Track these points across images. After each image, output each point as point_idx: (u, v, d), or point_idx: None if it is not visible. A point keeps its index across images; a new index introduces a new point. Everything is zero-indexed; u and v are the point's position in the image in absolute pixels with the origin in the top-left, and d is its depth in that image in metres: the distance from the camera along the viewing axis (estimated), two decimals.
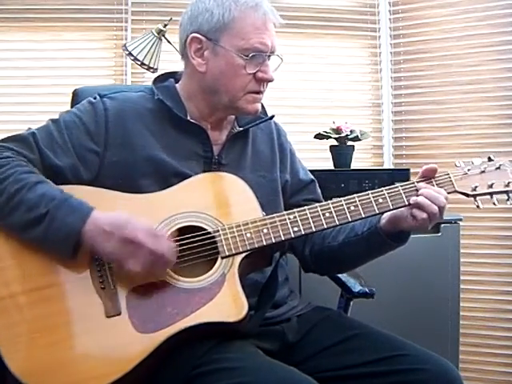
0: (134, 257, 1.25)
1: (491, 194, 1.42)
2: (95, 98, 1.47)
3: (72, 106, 1.81)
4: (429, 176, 1.41)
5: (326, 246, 1.54)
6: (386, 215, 1.43)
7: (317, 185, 1.68)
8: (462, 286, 2.48)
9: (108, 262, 1.30)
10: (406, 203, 1.38)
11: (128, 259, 1.26)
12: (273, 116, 1.60)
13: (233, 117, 1.56)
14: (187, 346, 1.26)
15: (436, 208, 1.36)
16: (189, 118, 1.48)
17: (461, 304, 2.46)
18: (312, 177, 1.68)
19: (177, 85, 1.54)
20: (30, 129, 1.43)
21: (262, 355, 1.30)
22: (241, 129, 1.55)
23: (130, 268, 1.26)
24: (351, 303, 1.72)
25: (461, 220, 2.43)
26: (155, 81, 1.55)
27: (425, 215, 1.36)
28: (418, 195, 1.37)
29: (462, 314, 2.49)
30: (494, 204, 1.41)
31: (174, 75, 1.57)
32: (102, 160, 1.41)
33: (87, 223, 1.26)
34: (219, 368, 1.23)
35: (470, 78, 2.99)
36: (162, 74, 1.58)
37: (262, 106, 1.54)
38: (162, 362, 1.27)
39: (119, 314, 1.26)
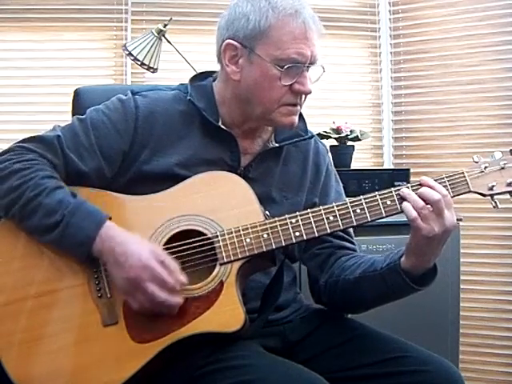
0: (134, 297, 1.23)
1: (510, 192, 1.32)
2: (126, 95, 1.42)
3: (73, 106, 1.82)
4: None
5: (342, 278, 1.43)
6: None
7: None
8: (462, 286, 2.48)
9: (105, 269, 1.28)
10: None
11: (128, 295, 1.24)
12: (312, 136, 1.52)
13: (270, 129, 1.48)
14: (191, 347, 1.25)
15: (422, 203, 1.25)
16: (220, 123, 1.42)
17: (461, 304, 2.45)
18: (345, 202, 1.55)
19: (214, 83, 1.46)
20: (55, 127, 1.39)
21: (268, 353, 1.29)
22: (276, 145, 1.47)
23: (128, 302, 1.25)
24: None
25: (461, 220, 2.42)
26: (193, 78, 1.47)
27: (414, 213, 1.25)
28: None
29: (462, 314, 2.48)
30: None
31: (212, 74, 1.48)
32: (126, 158, 1.38)
33: (100, 231, 1.25)
34: (226, 366, 1.21)
35: (470, 78, 2.99)
36: (202, 73, 1.50)
37: (304, 121, 1.48)
38: (161, 367, 1.26)
39: (116, 323, 1.25)
